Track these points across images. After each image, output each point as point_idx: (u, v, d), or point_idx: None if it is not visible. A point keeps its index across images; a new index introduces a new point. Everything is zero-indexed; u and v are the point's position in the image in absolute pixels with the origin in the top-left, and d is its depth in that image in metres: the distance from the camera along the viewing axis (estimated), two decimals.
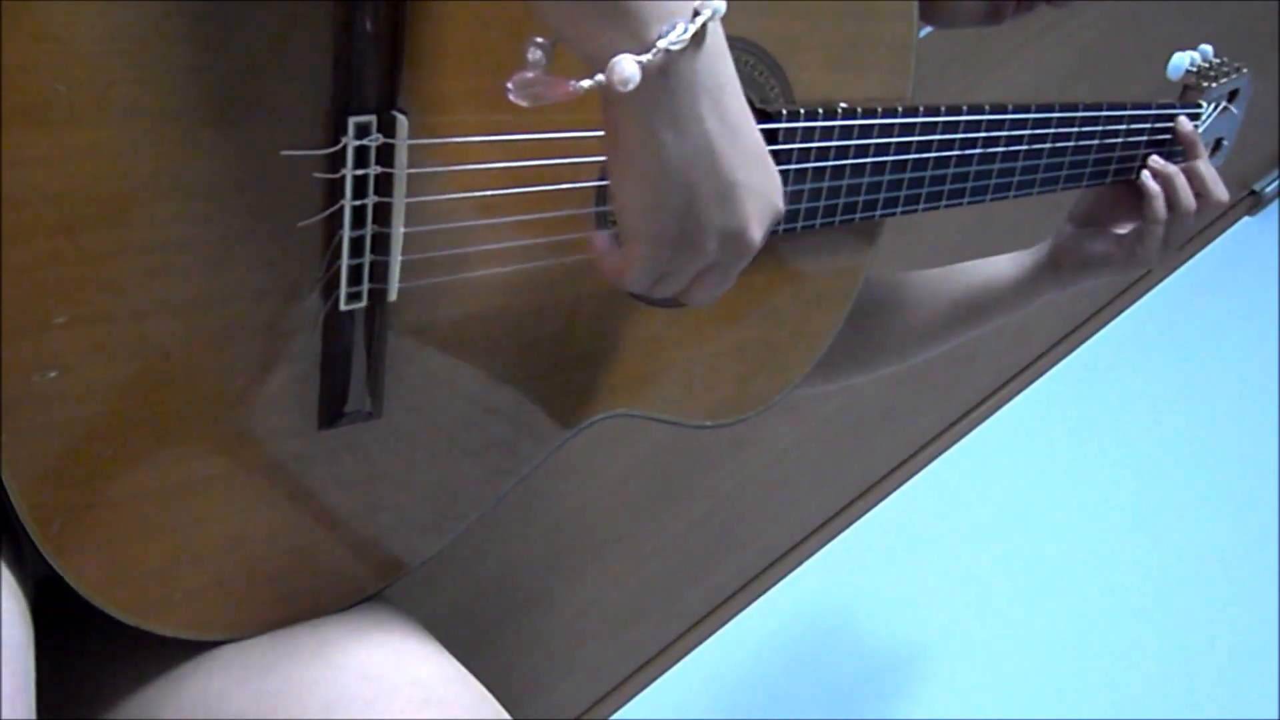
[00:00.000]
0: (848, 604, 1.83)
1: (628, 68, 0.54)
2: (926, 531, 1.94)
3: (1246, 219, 2.56)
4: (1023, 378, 2.17)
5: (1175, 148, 1.01)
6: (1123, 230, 1.01)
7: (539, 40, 0.57)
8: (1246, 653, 1.72)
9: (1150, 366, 2.23)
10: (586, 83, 0.56)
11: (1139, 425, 2.11)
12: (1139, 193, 1.00)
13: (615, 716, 1.68)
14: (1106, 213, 1.02)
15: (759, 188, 0.63)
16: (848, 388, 1.81)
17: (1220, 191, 0.99)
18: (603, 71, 0.55)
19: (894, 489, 1.99)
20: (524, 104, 0.58)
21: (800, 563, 1.87)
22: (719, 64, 0.59)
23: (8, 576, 0.61)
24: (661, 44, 0.55)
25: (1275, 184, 2.57)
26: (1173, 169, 0.98)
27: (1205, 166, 0.99)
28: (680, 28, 0.55)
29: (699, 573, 1.75)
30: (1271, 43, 2.29)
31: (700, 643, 1.76)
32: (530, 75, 0.57)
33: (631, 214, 0.62)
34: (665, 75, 0.56)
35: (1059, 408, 2.15)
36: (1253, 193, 2.56)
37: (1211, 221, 2.50)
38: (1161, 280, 2.40)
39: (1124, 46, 1.89)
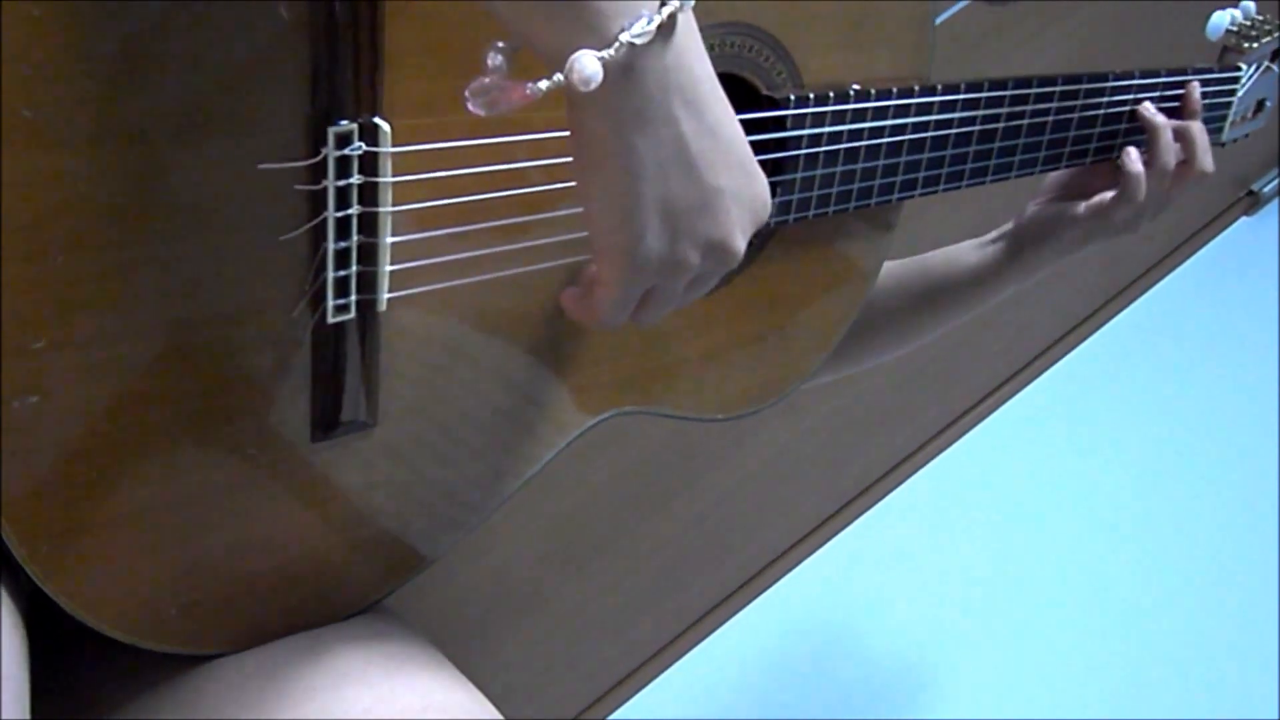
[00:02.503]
0: (846, 603, 1.82)
1: (589, 65, 0.51)
2: (925, 530, 1.93)
3: (1245, 219, 2.56)
4: (1021, 377, 2.17)
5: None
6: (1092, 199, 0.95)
7: (499, 45, 0.55)
8: (1246, 653, 1.71)
9: (1148, 366, 2.23)
10: (545, 84, 0.52)
11: (1137, 425, 2.11)
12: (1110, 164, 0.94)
13: (613, 716, 1.67)
14: (1079, 182, 0.97)
15: (743, 193, 0.59)
16: (846, 388, 1.81)
17: (1206, 162, 0.93)
18: (562, 71, 0.51)
19: (892, 488, 1.98)
20: (481, 112, 0.55)
21: (798, 562, 1.87)
22: (691, 59, 0.55)
23: (2, 589, 0.60)
24: (624, 38, 0.51)
25: (1274, 184, 2.57)
26: (1161, 120, 0.92)
27: (1199, 132, 0.93)
28: (644, 20, 0.51)
29: (697, 572, 1.74)
30: None
31: (698, 642, 1.76)
32: (487, 80, 0.54)
33: (608, 232, 0.57)
34: (630, 73, 0.52)
35: (1057, 407, 2.14)
36: (1251, 193, 2.56)
37: (1208, 223, 2.50)
38: (1160, 280, 2.39)
39: (1124, 44, 1.89)
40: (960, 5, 1.49)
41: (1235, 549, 1.88)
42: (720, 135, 0.57)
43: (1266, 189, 2.56)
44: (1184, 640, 1.74)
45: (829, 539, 1.90)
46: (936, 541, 1.91)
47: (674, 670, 1.72)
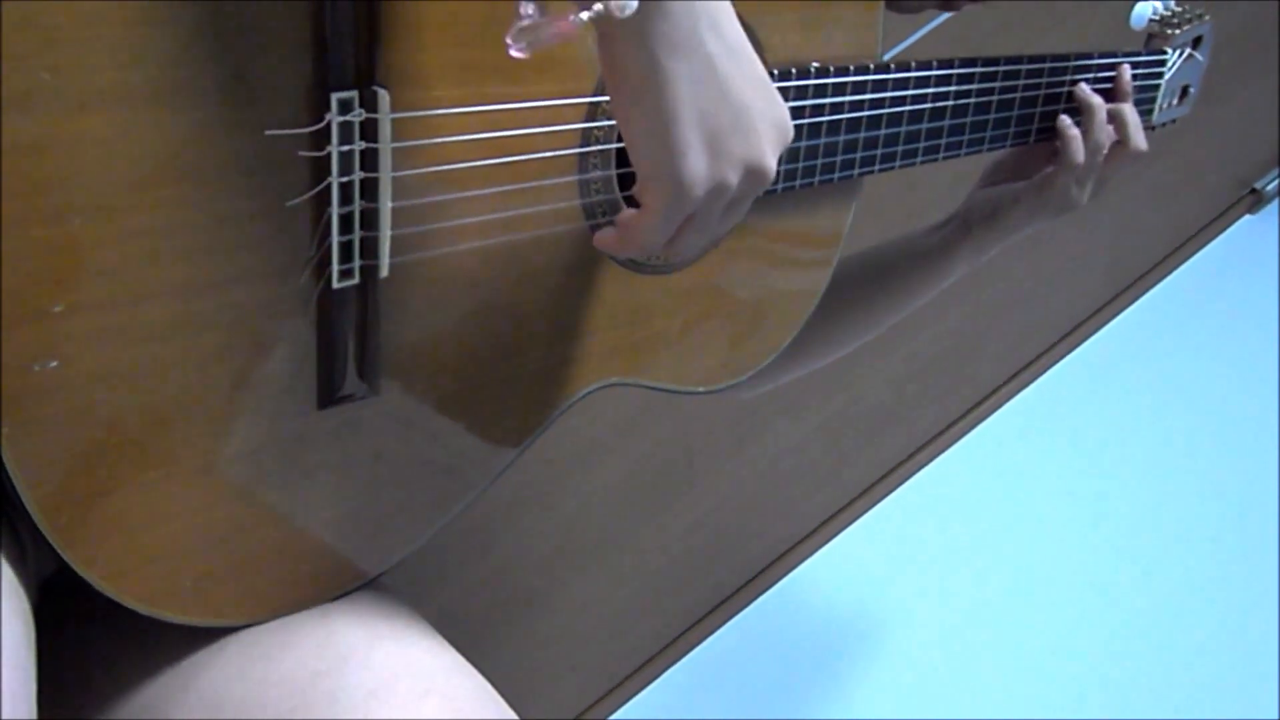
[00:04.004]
0: (847, 603, 1.82)
1: None
2: (927, 530, 1.93)
3: (1247, 217, 2.56)
4: (1022, 376, 2.17)
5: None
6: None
7: None
8: (1246, 653, 1.71)
9: (1150, 365, 2.23)
10: (586, 14, 0.56)
11: (1140, 425, 2.11)
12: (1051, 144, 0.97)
13: (615, 715, 1.67)
14: (1019, 163, 1.00)
15: (768, 112, 0.63)
16: (845, 389, 1.82)
17: (1140, 141, 0.96)
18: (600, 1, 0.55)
19: (894, 488, 1.99)
20: (523, 53, 0.58)
21: (800, 562, 1.87)
22: None
23: (9, 575, 0.61)
24: None
25: (1276, 182, 2.57)
26: (1097, 100, 0.95)
27: (1130, 113, 0.96)
28: None
29: (699, 572, 1.75)
30: (1271, 42, 2.29)
31: (700, 641, 1.76)
32: (525, 23, 0.57)
33: (652, 157, 0.61)
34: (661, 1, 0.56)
35: (1059, 406, 2.14)
36: (1253, 191, 2.56)
37: (1210, 221, 2.50)
38: (1162, 279, 2.39)
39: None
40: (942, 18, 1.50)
41: (1236, 548, 1.87)
42: (743, 57, 0.61)
43: (1269, 188, 2.56)
44: (1184, 640, 1.74)
45: (829, 540, 1.90)
46: (938, 542, 1.91)
47: (674, 671, 1.73)
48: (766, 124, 0.62)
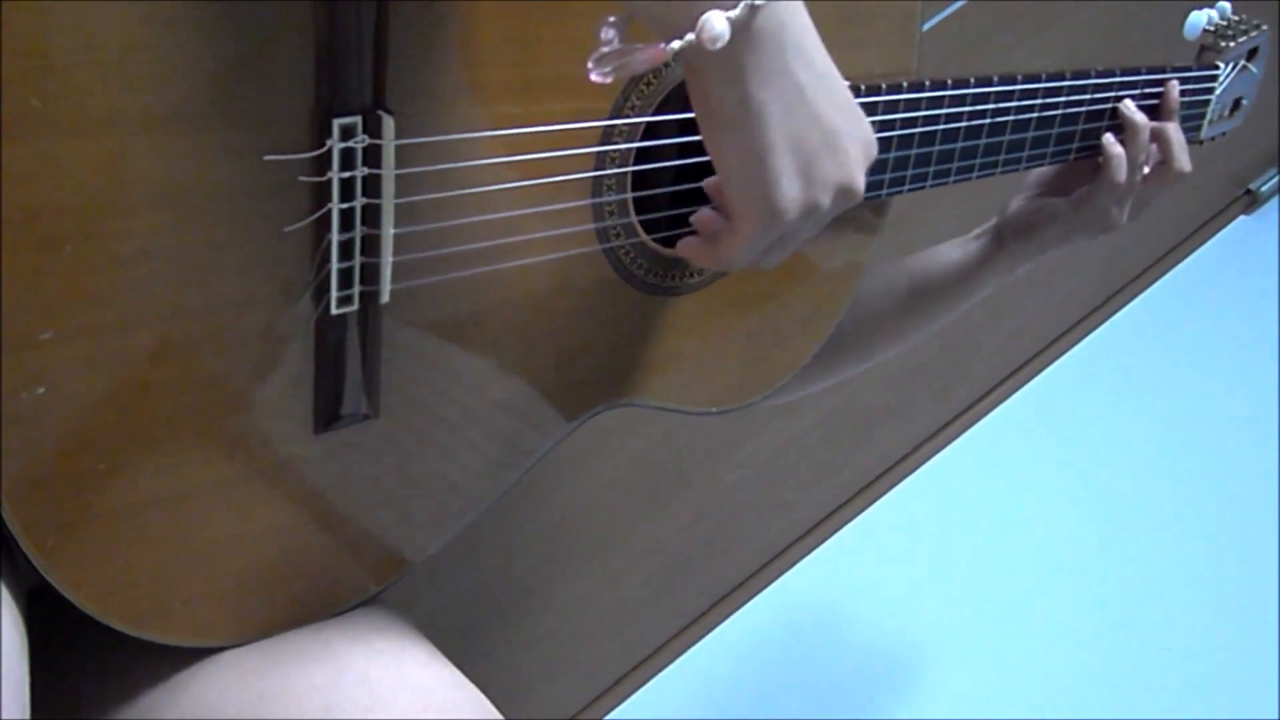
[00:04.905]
0: (845, 601, 1.82)
1: (718, 24, 0.54)
2: (924, 529, 1.93)
3: (1243, 218, 2.56)
4: (1019, 376, 2.17)
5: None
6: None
7: (611, 19, 0.57)
8: (1246, 653, 1.71)
9: (1147, 366, 2.23)
10: (677, 43, 0.56)
11: (1136, 425, 2.11)
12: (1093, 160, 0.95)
13: (611, 714, 1.67)
14: (1060, 178, 0.98)
15: (855, 132, 0.63)
16: (842, 386, 1.81)
17: (1183, 162, 0.94)
18: (692, 31, 0.55)
19: (891, 486, 1.98)
20: (607, 80, 0.58)
21: (796, 560, 1.87)
22: (800, 14, 0.59)
23: (1, 584, 0.61)
24: None
25: (1272, 182, 2.57)
26: (1141, 119, 0.93)
27: (1175, 132, 0.94)
28: None
29: (695, 570, 1.74)
30: (1270, 41, 2.29)
31: (697, 640, 1.76)
32: (610, 49, 0.57)
33: (746, 186, 0.61)
34: (750, 31, 0.56)
35: (1056, 406, 2.14)
36: (1249, 192, 2.56)
37: (1206, 222, 2.50)
38: (1158, 279, 2.39)
39: (1123, 45, 1.89)
40: (957, 5, 1.49)
41: (1235, 548, 1.88)
42: (831, 81, 0.61)
43: (1265, 188, 2.56)
44: (1184, 640, 1.74)
45: (826, 538, 1.90)
46: (935, 540, 1.91)
47: (672, 669, 1.72)
48: (856, 145, 0.63)
